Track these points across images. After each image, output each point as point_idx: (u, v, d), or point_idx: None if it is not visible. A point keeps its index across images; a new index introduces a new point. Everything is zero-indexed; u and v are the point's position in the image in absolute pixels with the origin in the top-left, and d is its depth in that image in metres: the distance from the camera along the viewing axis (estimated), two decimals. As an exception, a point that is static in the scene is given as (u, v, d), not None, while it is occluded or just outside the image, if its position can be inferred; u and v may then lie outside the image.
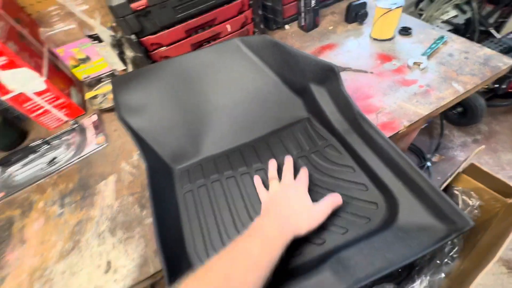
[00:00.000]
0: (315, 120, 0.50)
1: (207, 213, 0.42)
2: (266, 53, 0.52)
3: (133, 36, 0.55)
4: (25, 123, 0.67)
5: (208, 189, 0.45)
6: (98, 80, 0.70)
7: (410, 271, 0.60)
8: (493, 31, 1.20)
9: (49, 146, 0.60)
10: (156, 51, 0.60)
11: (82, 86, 0.73)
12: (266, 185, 0.42)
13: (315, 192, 0.41)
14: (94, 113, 0.65)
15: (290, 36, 0.76)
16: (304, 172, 0.41)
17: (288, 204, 0.36)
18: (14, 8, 0.62)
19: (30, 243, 0.45)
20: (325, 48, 0.69)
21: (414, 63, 0.58)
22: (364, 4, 0.72)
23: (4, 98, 0.55)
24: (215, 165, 0.48)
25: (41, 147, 0.59)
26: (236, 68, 0.53)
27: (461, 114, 1.25)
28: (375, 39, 0.68)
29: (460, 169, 0.64)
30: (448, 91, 0.52)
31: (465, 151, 1.25)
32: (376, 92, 0.55)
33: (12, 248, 0.45)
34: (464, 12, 1.24)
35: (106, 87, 0.68)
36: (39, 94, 0.58)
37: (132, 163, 0.53)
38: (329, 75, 0.45)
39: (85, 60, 0.70)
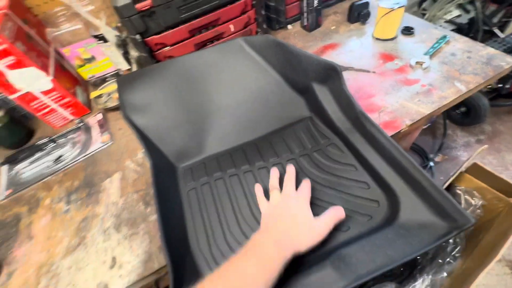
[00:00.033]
0: (317, 119, 0.50)
1: (210, 210, 0.43)
2: (269, 52, 0.53)
3: (137, 36, 0.56)
4: (32, 122, 0.69)
5: (212, 187, 0.45)
6: (103, 80, 0.71)
7: (412, 270, 0.60)
8: (497, 31, 1.19)
9: (55, 144, 0.61)
10: (160, 51, 0.61)
11: (87, 85, 0.74)
12: (267, 194, 0.41)
13: (317, 206, 0.39)
14: (99, 112, 0.66)
15: (293, 36, 0.77)
16: (306, 184, 0.39)
17: (288, 218, 0.35)
18: (22, 9, 0.63)
19: (37, 239, 0.46)
20: (328, 47, 0.70)
21: (417, 62, 0.58)
22: (367, 4, 0.73)
23: (12, 97, 0.56)
24: (218, 163, 0.49)
25: (47, 145, 0.60)
26: (239, 68, 0.54)
27: (464, 114, 1.24)
28: (377, 39, 0.68)
29: (463, 169, 0.64)
30: (450, 90, 0.52)
31: (468, 151, 1.24)
32: (378, 92, 0.55)
33: (20, 244, 0.46)
34: (467, 11, 1.24)
35: (110, 87, 0.68)
36: (45, 93, 0.59)
37: (137, 161, 0.54)
38: (331, 75, 0.45)
39: (91, 60, 0.71)
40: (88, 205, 0.49)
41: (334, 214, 0.35)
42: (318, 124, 0.49)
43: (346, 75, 0.58)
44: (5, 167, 0.58)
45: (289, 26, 0.80)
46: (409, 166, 0.35)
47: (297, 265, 0.34)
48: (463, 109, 1.23)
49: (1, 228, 0.48)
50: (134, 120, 0.47)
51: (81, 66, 0.70)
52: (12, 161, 0.59)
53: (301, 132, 0.50)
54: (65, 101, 0.62)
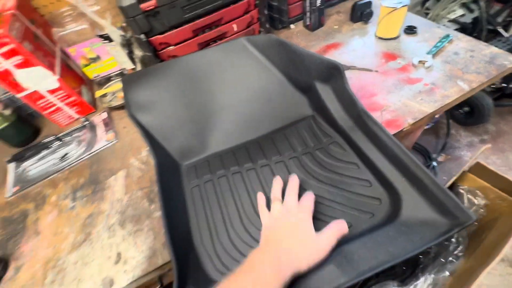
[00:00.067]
0: (319, 118, 0.50)
1: (213, 207, 0.43)
2: (271, 52, 0.53)
3: (142, 36, 0.57)
4: (38, 120, 0.70)
5: (215, 184, 0.46)
6: (107, 79, 0.72)
7: (414, 269, 0.60)
8: (501, 30, 1.18)
9: (61, 142, 0.62)
10: (164, 50, 0.61)
11: (92, 84, 0.75)
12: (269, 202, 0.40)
13: (320, 221, 0.38)
14: (104, 111, 0.67)
15: (296, 35, 0.77)
16: (309, 197, 0.37)
17: (289, 234, 0.33)
18: (29, 9, 0.64)
19: (43, 235, 0.47)
20: (330, 47, 0.70)
21: (419, 61, 0.58)
22: (369, 3, 0.73)
23: (19, 95, 0.57)
24: (221, 161, 0.49)
25: (53, 143, 0.61)
26: (242, 67, 0.54)
27: (468, 114, 1.23)
28: (380, 38, 0.68)
29: (466, 168, 0.64)
30: (453, 89, 0.52)
31: (472, 151, 1.23)
32: (381, 90, 0.55)
33: (27, 239, 0.47)
34: (471, 11, 1.23)
35: (115, 86, 0.69)
36: (52, 92, 0.60)
37: (141, 159, 0.55)
38: (334, 73, 0.46)
39: (96, 59, 0.72)
40: (94, 202, 0.49)
41: (337, 228, 0.33)
42: (320, 122, 0.50)
43: (348, 74, 0.59)
44: (12, 165, 0.60)
45: (292, 26, 0.80)
46: (411, 164, 0.35)
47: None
48: (466, 108, 1.22)
49: (8, 224, 0.49)
50: (139, 118, 0.48)
51: (86, 65, 0.71)
52: (19, 158, 0.60)
53: (303, 131, 0.50)
54: (70, 100, 0.63)
